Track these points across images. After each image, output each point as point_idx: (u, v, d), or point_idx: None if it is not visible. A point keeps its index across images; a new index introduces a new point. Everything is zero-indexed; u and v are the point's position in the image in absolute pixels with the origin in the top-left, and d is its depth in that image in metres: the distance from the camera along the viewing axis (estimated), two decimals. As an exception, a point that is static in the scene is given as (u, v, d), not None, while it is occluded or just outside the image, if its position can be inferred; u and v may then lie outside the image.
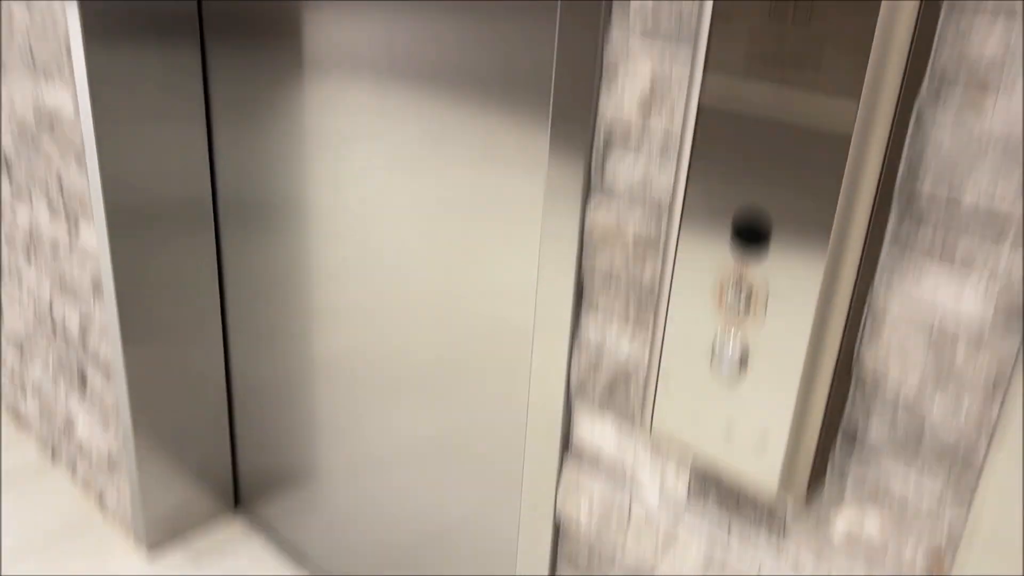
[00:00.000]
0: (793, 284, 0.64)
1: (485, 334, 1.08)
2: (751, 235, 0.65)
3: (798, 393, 0.66)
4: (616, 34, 0.75)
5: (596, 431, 0.90)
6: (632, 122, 0.76)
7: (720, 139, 0.65)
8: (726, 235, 0.67)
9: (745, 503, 0.80)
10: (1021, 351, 0.58)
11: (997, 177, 0.57)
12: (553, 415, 0.91)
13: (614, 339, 0.84)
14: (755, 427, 0.70)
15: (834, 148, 0.59)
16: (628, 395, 0.85)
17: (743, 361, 0.68)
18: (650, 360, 0.76)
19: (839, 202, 0.59)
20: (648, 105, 0.75)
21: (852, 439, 0.70)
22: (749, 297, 0.67)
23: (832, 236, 0.60)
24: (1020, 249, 0.58)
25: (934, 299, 0.62)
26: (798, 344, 0.65)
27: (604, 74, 0.77)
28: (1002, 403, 0.61)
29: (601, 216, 0.81)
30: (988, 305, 0.60)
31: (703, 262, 0.69)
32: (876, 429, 0.69)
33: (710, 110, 0.65)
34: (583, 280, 0.85)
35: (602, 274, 0.83)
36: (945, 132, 0.59)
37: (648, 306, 0.80)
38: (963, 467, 0.65)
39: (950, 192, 0.60)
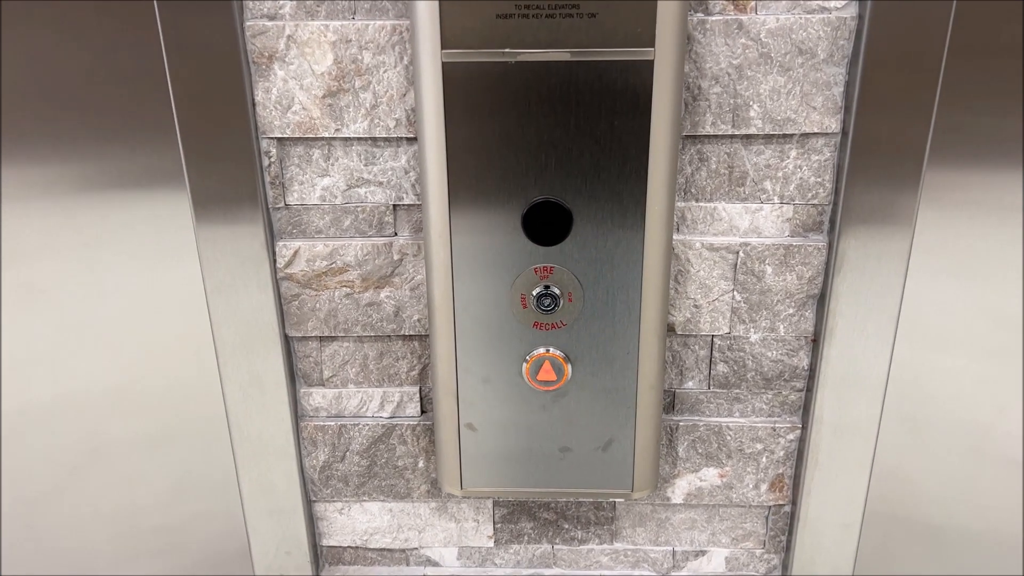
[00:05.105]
0: (600, 273, 0.57)
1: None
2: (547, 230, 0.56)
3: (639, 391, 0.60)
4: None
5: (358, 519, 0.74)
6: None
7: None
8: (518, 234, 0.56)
9: (570, 517, 0.71)
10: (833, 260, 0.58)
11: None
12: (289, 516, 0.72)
13: (358, 402, 0.68)
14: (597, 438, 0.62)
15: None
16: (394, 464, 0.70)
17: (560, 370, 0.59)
18: (439, 414, 0.63)
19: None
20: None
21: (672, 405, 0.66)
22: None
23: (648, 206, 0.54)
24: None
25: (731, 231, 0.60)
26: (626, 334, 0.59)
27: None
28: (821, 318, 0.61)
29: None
30: (784, 225, 0.59)
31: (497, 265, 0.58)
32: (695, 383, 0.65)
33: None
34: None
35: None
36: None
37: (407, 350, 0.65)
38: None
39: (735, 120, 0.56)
